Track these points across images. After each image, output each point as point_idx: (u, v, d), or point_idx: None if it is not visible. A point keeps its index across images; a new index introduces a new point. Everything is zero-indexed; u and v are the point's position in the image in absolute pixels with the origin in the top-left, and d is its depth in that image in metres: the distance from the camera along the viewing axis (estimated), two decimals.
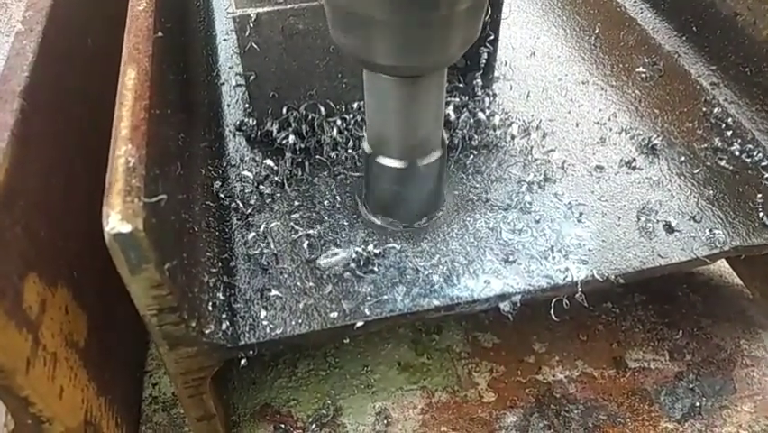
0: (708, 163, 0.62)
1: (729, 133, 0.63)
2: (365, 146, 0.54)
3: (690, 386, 0.62)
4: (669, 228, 0.56)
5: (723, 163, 0.62)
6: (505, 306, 0.51)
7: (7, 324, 0.39)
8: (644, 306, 0.69)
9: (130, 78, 0.47)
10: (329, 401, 0.61)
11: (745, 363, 0.64)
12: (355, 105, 0.64)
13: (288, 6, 0.58)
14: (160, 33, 0.53)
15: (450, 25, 0.41)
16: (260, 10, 0.57)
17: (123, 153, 0.40)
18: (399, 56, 0.43)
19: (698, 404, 0.60)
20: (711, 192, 0.59)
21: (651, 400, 0.61)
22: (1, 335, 0.38)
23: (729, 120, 0.64)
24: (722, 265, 0.73)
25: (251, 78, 0.61)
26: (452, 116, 0.64)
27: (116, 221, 0.36)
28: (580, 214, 0.57)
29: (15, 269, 0.41)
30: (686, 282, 0.72)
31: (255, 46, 0.59)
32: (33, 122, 0.47)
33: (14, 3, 1.06)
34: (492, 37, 0.66)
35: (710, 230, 0.56)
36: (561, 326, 0.67)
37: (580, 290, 0.52)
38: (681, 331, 0.67)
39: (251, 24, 0.57)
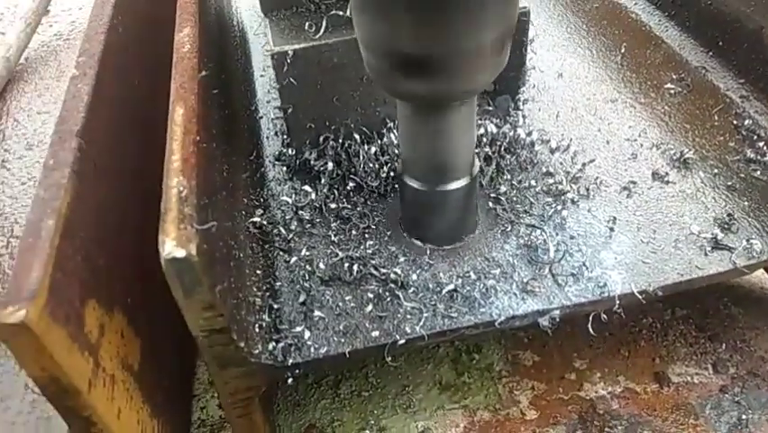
0: (742, 174, 0.62)
1: (762, 144, 0.63)
2: (400, 171, 0.56)
3: (736, 399, 0.61)
4: (705, 240, 0.56)
5: (757, 174, 0.62)
6: (543, 321, 0.52)
7: (71, 347, 0.41)
8: (685, 320, 0.69)
9: (179, 115, 0.50)
10: (372, 421, 0.62)
11: None
12: (390, 133, 0.67)
13: (323, 42, 0.61)
14: (204, 72, 0.56)
15: (478, 56, 0.43)
16: (297, 46, 0.60)
17: (176, 184, 0.43)
18: (429, 87, 0.45)
19: (744, 417, 0.60)
20: (746, 203, 0.59)
21: (696, 415, 0.60)
22: (67, 357, 0.40)
23: (761, 131, 0.64)
24: (763, 277, 0.72)
25: (289, 110, 0.64)
26: (485, 138, 0.66)
27: (172, 247, 0.39)
28: (615, 228, 0.58)
29: (77, 295, 0.44)
30: (727, 295, 0.71)
31: (292, 81, 0.62)
32: (90, 158, 0.50)
33: (64, 50, 1.12)
34: (520, 61, 0.67)
35: (747, 240, 0.56)
36: (601, 342, 0.67)
37: (618, 303, 0.52)
38: (723, 344, 0.66)
39: (289, 60, 0.60)
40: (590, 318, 0.53)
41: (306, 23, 0.63)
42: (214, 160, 0.55)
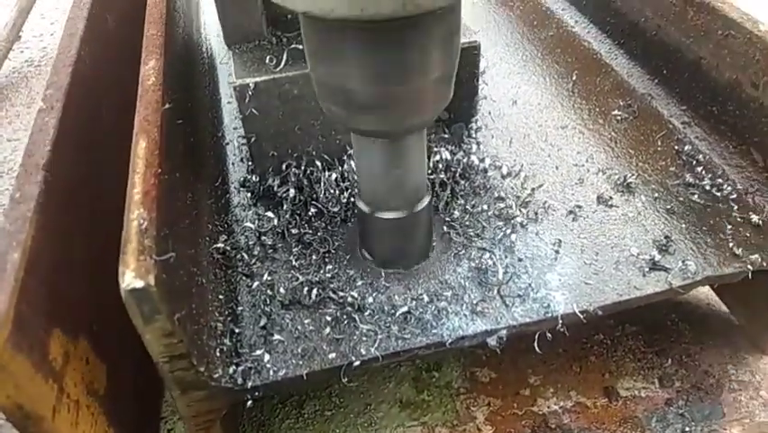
0: (681, 198, 0.66)
1: (700, 168, 0.67)
2: (357, 199, 0.59)
3: (680, 412, 0.64)
4: (644, 261, 0.60)
5: (695, 198, 0.65)
6: (491, 341, 0.55)
7: (35, 376, 0.43)
8: (634, 336, 0.72)
9: (141, 148, 0.52)
10: None
11: (732, 387, 0.66)
12: (350, 160, 0.69)
13: (284, 75, 0.63)
14: (167, 105, 0.58)
15: (423, 94, 0.46)
16: (258, 79, 0.63)
17: (136, 217, 0.45)
18: (378, 122, 0.48)
19: (687, 429, 0.63)
20: (684, 225, 0.63)
21: (642, 428, 0.63)
22: (30, 385, 0.42)
23: (700, 156, 0.68)
24: (709, 293, 0.76)
25: (252, 139, 0.67)
26: (441, 165, 0.69)
27: (131, 278, 0.41)
28: (561, 251, 0.61)
29: (42, 325, 0.45)
30: (675, 311, 0.75)
31: (255, 111, 0.64)
32: (56, 191, 0.52)
33: (35, 76, 1.14)
34: (472, 91, 0.71)
35: (683, 261, 0.59)
36: (555, 358, 0.70)
37: (561, 323, 0.55)
38: (670, 359, 0.69)
39: (250, 93, 0.63)
40: (536, 337, 0.56)
41: (268, 57, 0.65)
42: (177, 189, 0.57)
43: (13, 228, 0.46)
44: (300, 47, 0.65)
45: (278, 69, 0.64)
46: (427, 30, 0.43)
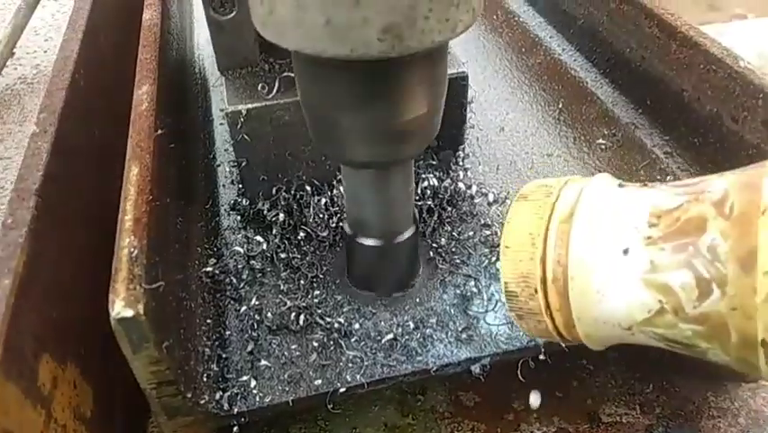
0: None
1: None
2: (345, 226, 0.60)
3: None
4: None
5: None
6: (476, 369, 0.56)
7: (24, 402, 0.44)
8: (616, 362, 0.73)
9: (133, 174, 0.53)
10: None
11: (711, 414, 0.68)
12: (340, 185, 0.70)
13: (275, 102, 0.65)
14: (160, 131, 0.59)
15: (412, 128, 0.48)
16: (250, 106, 0.64)
17: (127, 245, 0.46)
18: (367, 154, 0.49)
19: None
20: None
21: None
22: (19, 412, 0.43)
23: None
24: None
25: (243, 164, 0.68)
26: (428, 191, 0.70)
27: (120, 307, 0.42)
28: None
29: (31, 351, 0.46)
30: None
31: (246, 137, 0.65)
32: (47, 216, 0.53)
33: (27, 93, 1.14)
34: (460, 119, 0.72)
35: None
36: (539, 383, 0.71)
37: (543, 351, 0.56)
38: (651, 385, 0.71)
39: (242, 119, 0.64)
40: (519, 365, 0.57)
41: (260, 84, 0.66)
42: (168, 215, 0.58)
43: (5, 254, 0.47)
44: (293, 74, 0.66)
45: (270, 96, 0.65)
46: (415, 68, 0.44)
